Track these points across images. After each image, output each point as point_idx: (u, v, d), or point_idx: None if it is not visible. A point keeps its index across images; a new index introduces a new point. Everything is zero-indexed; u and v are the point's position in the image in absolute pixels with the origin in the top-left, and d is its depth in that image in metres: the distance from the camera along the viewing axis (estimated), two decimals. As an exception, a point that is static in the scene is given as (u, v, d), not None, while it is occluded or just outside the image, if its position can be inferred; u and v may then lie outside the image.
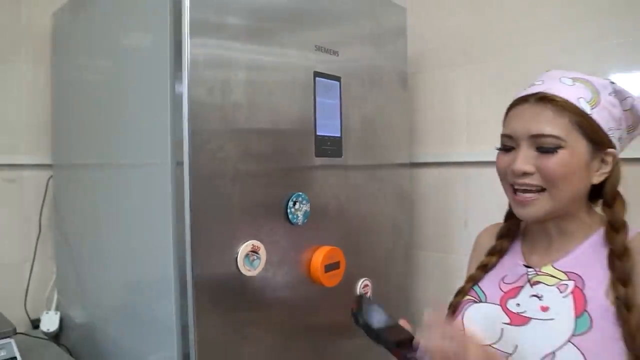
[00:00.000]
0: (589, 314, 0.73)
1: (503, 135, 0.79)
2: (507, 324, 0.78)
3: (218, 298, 0.84)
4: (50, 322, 1.28)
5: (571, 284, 0.77)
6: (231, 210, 0.84)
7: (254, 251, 0.85)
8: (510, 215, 0.87)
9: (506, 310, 0.80)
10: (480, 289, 0.86)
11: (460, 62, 1.36)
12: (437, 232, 1.42)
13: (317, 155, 0.99)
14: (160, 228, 0.85)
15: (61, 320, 1.29)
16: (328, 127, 1.01)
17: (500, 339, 0.78)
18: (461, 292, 0.87)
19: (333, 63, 1.03)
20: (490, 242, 0.91)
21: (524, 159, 0.75)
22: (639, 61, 1.08)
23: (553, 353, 0.71)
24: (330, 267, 0.98)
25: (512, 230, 0.88)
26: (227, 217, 0.84)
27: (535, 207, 0.77)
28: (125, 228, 1.00)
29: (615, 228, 0.76)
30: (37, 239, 1.31)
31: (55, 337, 1.30)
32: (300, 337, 0.98)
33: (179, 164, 0.80)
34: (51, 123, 1.33)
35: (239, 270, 0.84)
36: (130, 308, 1.01)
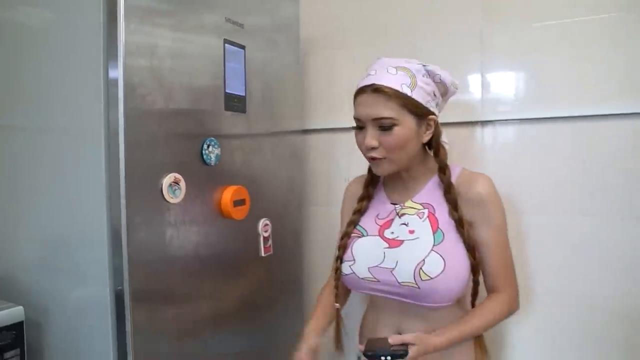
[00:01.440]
0: (441, 230, 1.01)
1: (355, 118, 1.03)
2: (387, 247, 1.04)
3: (147, 224, 0.98)
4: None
5: (426, 211, 1.05)
6: (157, 147, 0.99)
7: (176, 182, 1.02)
8: (371, 170, 1.12)
9: (384, 238, 1.05)
10: (362, 227, 1.11)
11: (342, 46, 1.63)
12: (324, 188, 1.67)
13: (225, 109, 1.17)
14: (94, 162, 0.97)
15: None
16: (235, 87, 1.20)
17: (384, 259, 1.03)
18: (346, 234, 1.11)
19: (239, 33, 1.22)
20: (358, 190, 1.17)
21: (370, 137, 0.99)
22: (477, 50, 1.42)
23: (423, 260, 0.98)
24: (237, 203, 1.17)
25: (374, 179, 1.15)
26: (154, 153, 0.99)
27: (383, 167, 1.03)
28: (54, 173, 1.09)
29: (441, 169, 1.05)
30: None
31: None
32: (213, 260, 1.15)
33: (112, 104, 0.94)
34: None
35: (164, 197, 1.00)
36: (58, 254, 1.10)
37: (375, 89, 0.98)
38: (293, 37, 1.48)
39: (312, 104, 1.67)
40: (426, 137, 1.04)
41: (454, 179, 1.04)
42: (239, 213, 1.18)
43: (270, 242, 1.33)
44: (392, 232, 1.06)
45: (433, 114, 1.03)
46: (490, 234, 1.03)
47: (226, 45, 1.17)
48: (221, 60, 1.16)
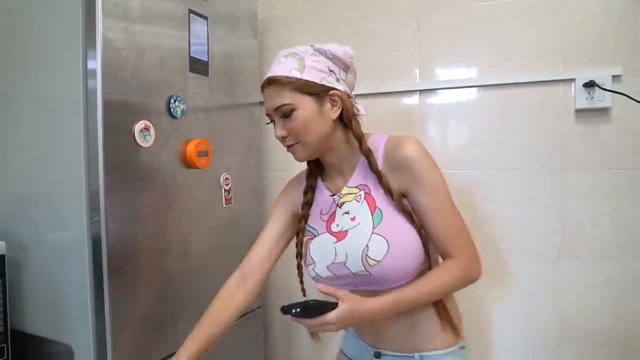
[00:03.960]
0: (379, 209, 0.97)
1: (265, 114, 1.04)
2: (336, 242, 1.00)
3: (121, 166, 1.11)
4: None
5: (362, 193, 1.01)
6: (130, 96, 1.13)
7: (146, 128, 1.16)
8: (309, 162, 1.11)
9: (332, 233, 1.02)
10: (312, 227, 1.08)
11: (296, 26, 1.80)
12: (281, 154, 1.82)
13: (190, 71, 1.32)
14: (74, 108, 1.10)
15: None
16: (199, 52, 1.35)
17: (335, 255, 1.00)
18: (300, 231, 1.10)
19: (202, 6, 1.37)
20: (298, 185, 1.15)
21: (278, 128, 1.01)
22: (415, 29, 1.62)
23: (367, 246, 0.94)
24: (201, 154, 1.31)
25: (313, 171, 1.12)
26: (127, 102, 1.12)
27: (298, 153, 1.02)
28: (35, 119, 1.21)
29: (358, 140, 1.01)
30: None
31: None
32: (180, 205, 1.29)
33: (90, 48, 1.06)
34: None
35: (136, 141, 1.13)
36: (39, 195, 1.21)
37: (270, 81, 1.00)
38: (251, 15, 1.64)
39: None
40: (334, 114, 1.01)
41: (381, 149, 1.01)
42: (203, 163, 1.32)
43: (231, 195, 1.47)
44: (337, 225, 1.03)
45: (334, 89, 1.00)
46: (427, 198, 0.97)
47: (191, 14, 1.32)
48: (186, 27, 1.31)
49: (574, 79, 1.40)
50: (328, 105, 1.00)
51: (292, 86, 0.98)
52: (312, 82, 0.98)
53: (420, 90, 1.60)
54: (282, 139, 1.02)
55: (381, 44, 1.65)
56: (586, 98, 1.37)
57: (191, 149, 1.28)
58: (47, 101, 1.17)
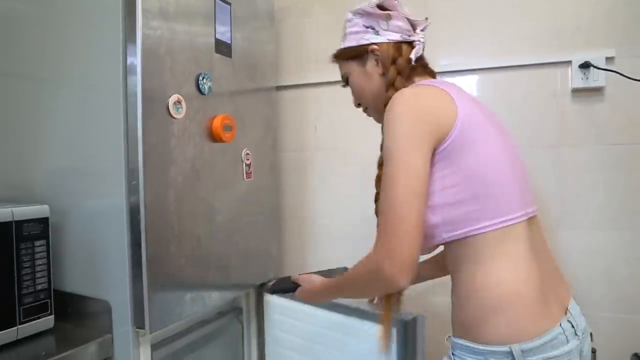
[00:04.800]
0: None
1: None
2: None
3: (158, 134, 1.22)
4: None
5: None
6: (164, 72, 1.23)
7: (179, 102, 1.26)
8: None
9: None
10: None
11: (312, 13, 1.91)
12: (294, 136, 1.94)
13: (216, 52, 1.43)
14: (114, 80, 1.20)
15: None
16: (223, 35, 1.46)
17: None
18: None
19: (227, -8, 1.48)
20: None
21: (353, 98, 1.12)
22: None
23: None
24: (226, 128, 1.42)
25: None
26: (162, 76, 1.23)
27: (372, 116, 1.11)
28: (77, 93, 1.31)
29: (386, 89, 1.01)
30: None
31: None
32: (207, 175, 1.39)
33: (129, 34, 1.17)
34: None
35: (170, 113, 1.24)
36: (76, 172, 1.31)
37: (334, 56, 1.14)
38: (269, 3, 1.75)
39: (284, 64, 1.94)
40: (379, 69, 1.02)
41: None
42: (228, 137, 1.42)
43: (251, 169, 1.58)
44: None
45: (371, 44, 1.02)
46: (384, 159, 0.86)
47: (216, 1, 1.43)
48: (212, 11, 1.41)
49: (570, 61, 1.50)
50: (372, 62, 1.02)
51: (340, 57, 1.08)
52: (350, 47, 1.04)
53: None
54: (357, 106, 1.10)
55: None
56: (582, 78, 1.48)
57: (217, 123, 1.39)
58: (89, 79, 1.27)
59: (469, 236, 0.85)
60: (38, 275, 1.22)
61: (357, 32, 1.04)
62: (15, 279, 1.16)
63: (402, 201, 0.78)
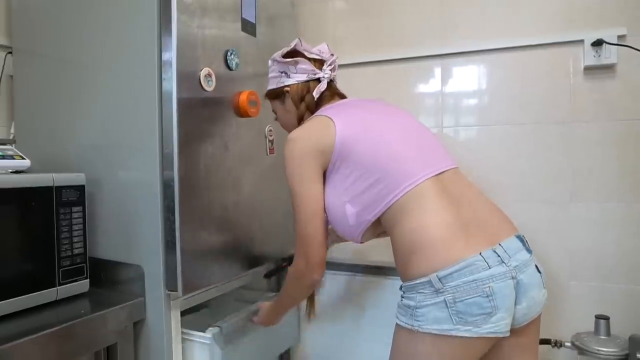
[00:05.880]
0: None
1: None
2: None
3: (191, 106, 1.27)
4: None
5: None
6: (196, 47, 1.29)
7: (209, 75, 1.32)
8: None
9: None
10: None
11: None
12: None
13: (242, 30, 1.49)
14: (149, 57, 1.26)
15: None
16: (248, 14, 1.52)
17: None
18: None
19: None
20: None
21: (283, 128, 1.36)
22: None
23: None
24: (252, 103, 1.47)
25: None
26: (194, 51, 1.29)
27: None
28: (114, 69, 1.37)
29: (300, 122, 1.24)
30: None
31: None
32: (235, 148, 1.45)
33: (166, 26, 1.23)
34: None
35: (201, 85, 1.30)
36: (111, 145, 1.36)
37: None
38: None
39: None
40: (292, 106, 1.27)
41: None
42: (253, 112, 1.48)
43: (273, 146, 1.64)
44: None
45: (285, 86, 1.26)
46: None
47: (242, -19, 1.49)
48: (240, -5, 1.48)
49: (582, 40, 1.56)
50: (288, 100, 1.27)
51: (267, 97, 1.34)
52: (271, 89, 1.30)
53: (442, 55, 1.77)
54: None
55: (406, 12, 1.82)
56: (594, 56, 1.53)
57: (244, 97, 1.44)
58: (126, 57, 1.33)
59: (385, 210, 1.05)
60: (75, 240, 1.27)
61: (274, 77, 1.28)
62: (55, 242, 1.22)
63: (306, 221, 1.11)
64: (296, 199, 1.12)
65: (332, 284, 1.70)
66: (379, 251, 1.71)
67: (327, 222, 1.15)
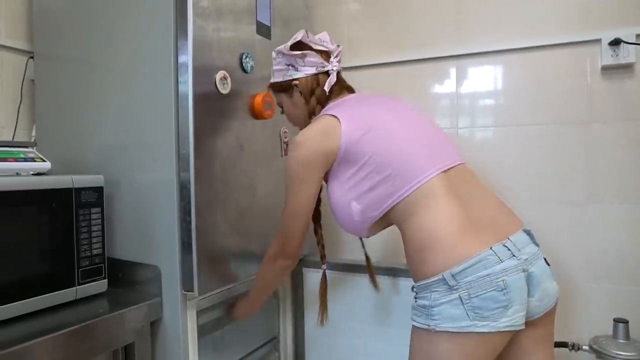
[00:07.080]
0: None
1: None
2: None
3: (206, 108, 1.29)
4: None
5: None
6: (211, 50, 1.31)
7: (225, 78, 1.34)
8: None
9: None
10: None
11: (344, 1, 1.97)
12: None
13: (257, 33, 1.50)
14: (165, 57, 1.28)
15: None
16: (263, 18, 1.53)
17: None
18: None
19: (266, -24, 1.55)
20: None
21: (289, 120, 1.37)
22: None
23: None
24: (267, 106, 1.49)
25: None
26: (209, 54, 1.30)
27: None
28: (131, 70, 1.38)
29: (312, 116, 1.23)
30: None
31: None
32: (249, 148, 1.46)
33: (181, 13, 1.25)
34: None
35: (217, 88, 1.31)
36: (129, 148, 1.38)
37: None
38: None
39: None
40: (301, 100, 1.25)
41: None
42: (268, 114, 1.49)
43: (288, 147, 1.65)
44: None
45: (293, 80, 1.24)
46: None
47: (257, -14, 1.51)
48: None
49: (599, 39, 1.54)
50: (297, 94, 1.25)
51: (272, 89, 1.31)
52: (277, 82, 1.27)
53: (457, 55, 1.76)
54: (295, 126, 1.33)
55: (420, 12, 1.82)
56: (611, 55, 1.51)
57: (259, 99, 1.45)
58: (142, 58, 1.35)
59: (392, 207, 1.06)
60: (94, 240, 1.30)
61: (280, 70, 1.25)
62: (74, 242, 1.24)
63: (295, 217, 1.18)
64: (291, 194, 1.17)
65: (350, 285, 1.70)
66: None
67: (309, 221, 1.24)
